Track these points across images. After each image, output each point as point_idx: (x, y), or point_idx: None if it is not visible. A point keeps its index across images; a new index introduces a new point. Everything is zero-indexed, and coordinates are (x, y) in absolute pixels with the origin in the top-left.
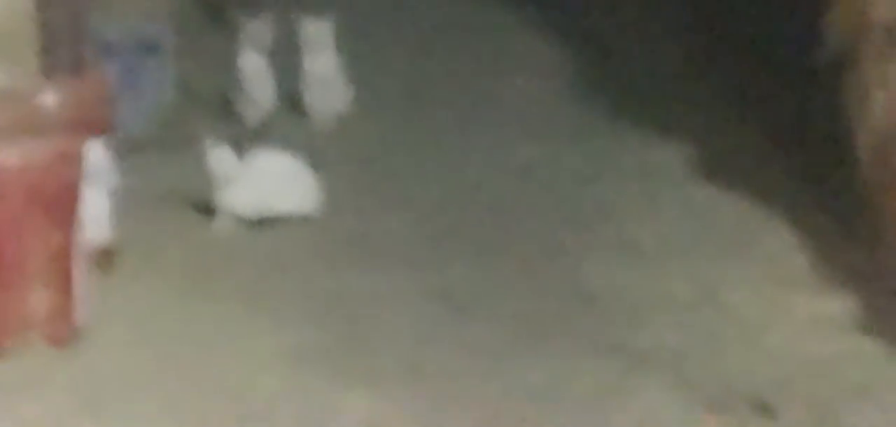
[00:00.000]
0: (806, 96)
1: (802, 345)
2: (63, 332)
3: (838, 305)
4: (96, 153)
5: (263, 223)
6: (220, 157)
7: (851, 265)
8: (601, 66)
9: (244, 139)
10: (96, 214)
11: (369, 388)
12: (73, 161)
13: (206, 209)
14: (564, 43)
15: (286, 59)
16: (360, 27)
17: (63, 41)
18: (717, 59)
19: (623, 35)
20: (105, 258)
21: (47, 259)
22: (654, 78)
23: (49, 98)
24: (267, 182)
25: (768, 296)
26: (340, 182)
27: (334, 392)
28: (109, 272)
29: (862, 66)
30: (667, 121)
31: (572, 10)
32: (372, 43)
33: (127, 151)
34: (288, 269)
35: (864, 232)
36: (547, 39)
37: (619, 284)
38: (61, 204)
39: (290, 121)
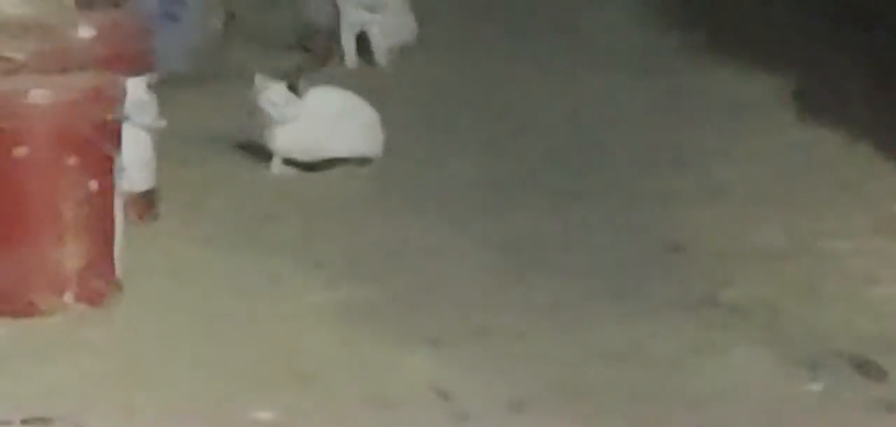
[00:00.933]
0: None
1: None
2: (100, 288)
3: None
4: (135, 91)
5: (319, 167)
6: (271, 95)
7: None
8: None
9: (299, 74)
10: (136, 158)
11: (432, 350)
12: (109, 99)
13: (256, 152)
14: None
15: None
16: None
17: None
18: None
19: None
20: (145, 206)
21: (82, 208)
22: (740, 4)
23: (83, 31)
24: (323, 122)
25: (873, 245)
26: (401, 122)
27: (393, 353)
28: (150, 221)
29: None
30: (759, 50)
31: None
32: None
33: (169, 88)
34: (344, 217)
35: None
36: None
37: (707, 233)
38: (97, 147)
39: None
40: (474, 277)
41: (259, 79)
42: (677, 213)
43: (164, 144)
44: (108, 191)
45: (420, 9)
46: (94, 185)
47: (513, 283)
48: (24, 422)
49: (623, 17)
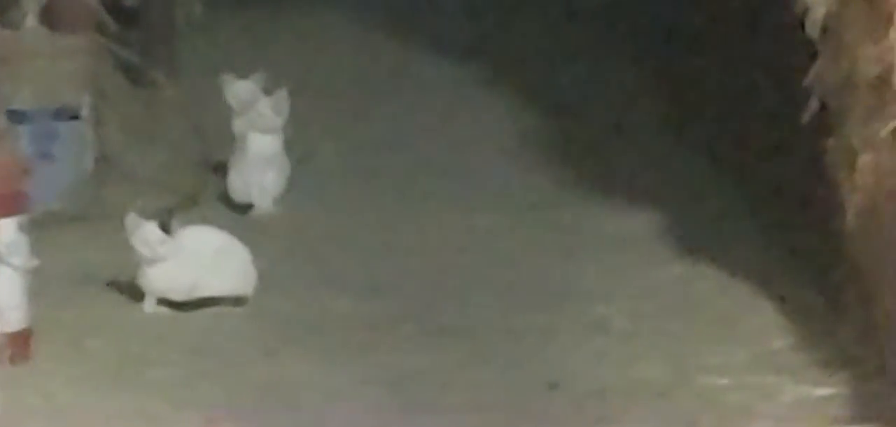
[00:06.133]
0: (788, 159)
1: None
2: None
3: (826, 390)
4: (8, 232)
5: (191, 306)
6: (145, 234)
7: (840, 345)
8: (562, 127)
9: (171, 214)
10: (9, 299)
11: None
12: None
13: (131, 291)
14: (521, 101)
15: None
16: (295, 84)
17: None
18: (689, 119)
19: (585, 92)
20: (19, 347)
21: None
22: (620, 139)
23: None
24: (196, 261)
25: (751, 380)
26: (276, 259)
27: None
28: (24, 362)
29: (848, 126)
30: (635, 187)
31: (530, 66)
32: (308, 102)
33: (43, 228)
34: (221, 357)
35: (852, 308)
36: (501, 97)
37: (586, 369)
38: None
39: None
40: (354, 417)
41: (131, 218)
42: (556, 350)
43: (39, 285)
44: None
45: (291, 144)
46: None
47: (393, 421)
48: None
49: (500, 155)
